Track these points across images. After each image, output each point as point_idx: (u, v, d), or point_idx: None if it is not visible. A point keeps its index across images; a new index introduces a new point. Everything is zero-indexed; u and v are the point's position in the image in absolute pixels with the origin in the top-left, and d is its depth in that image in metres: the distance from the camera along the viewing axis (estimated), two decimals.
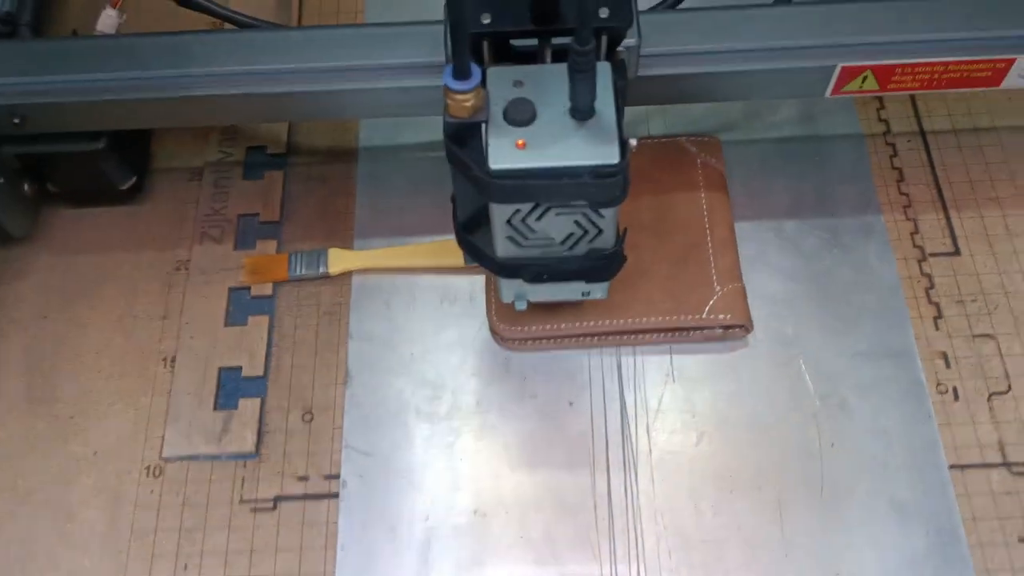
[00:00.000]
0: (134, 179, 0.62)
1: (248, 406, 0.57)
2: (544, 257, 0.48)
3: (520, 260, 0.48)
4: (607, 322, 0.56)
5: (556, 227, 0.46)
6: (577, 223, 0.45)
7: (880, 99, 0.65)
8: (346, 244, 0.62)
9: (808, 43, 0.51)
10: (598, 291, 0.51)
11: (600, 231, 0.46)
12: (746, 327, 0.56)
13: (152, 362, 0.59)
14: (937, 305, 0.58)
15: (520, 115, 0.42)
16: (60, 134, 0.56)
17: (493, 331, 0.58)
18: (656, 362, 0.57)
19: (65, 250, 0.63)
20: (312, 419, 0.57)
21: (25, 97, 0.53)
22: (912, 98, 0.65)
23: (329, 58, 0.53)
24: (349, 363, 0.58)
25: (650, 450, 0.54)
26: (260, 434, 0.56)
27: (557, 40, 0.46)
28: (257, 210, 0.63)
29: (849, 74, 0.51)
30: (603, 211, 0.44)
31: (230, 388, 0.58)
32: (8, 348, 0.59)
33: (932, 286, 0.58)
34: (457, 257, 0.59)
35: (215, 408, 0.57)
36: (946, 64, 0.51)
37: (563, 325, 0.56)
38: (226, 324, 0.60)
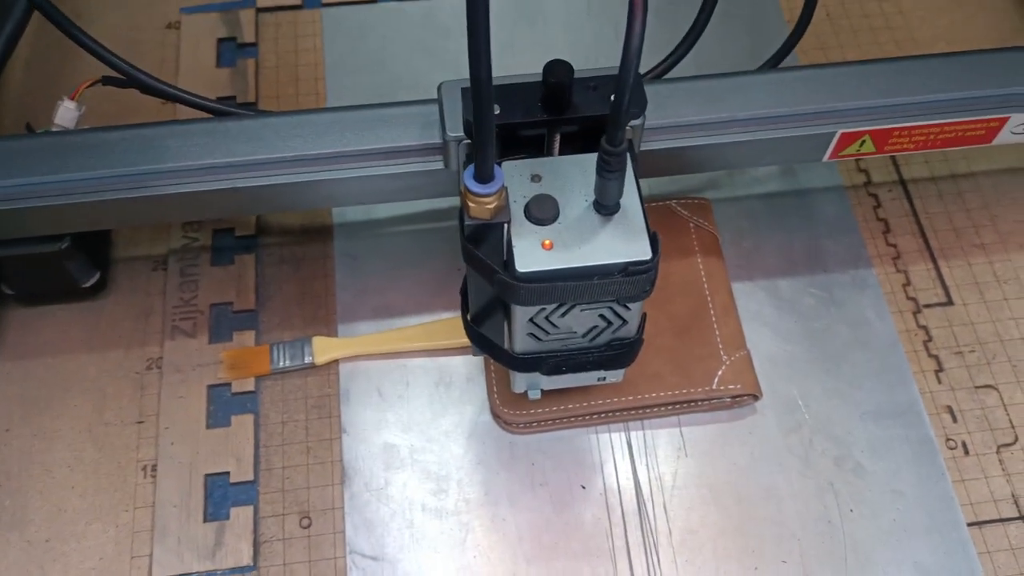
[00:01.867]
0: (97, 276, 0.58)
1: (240, 515, 0.53)
2: (563, 350, 0.46)
3: (538, 354, 0.46)
4: (615, 400, 0.54)
5: (580, 322, 0.44)
6: (602, 316, 0.43)
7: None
8: (329, 329, 0.59)
9: (806, 110, 0.50)
10: (615, 376, 0.49)
11: (624, 322, 0.44)
12: (756, 396, 0.55)
13: (130, 473, 0.55)
14: (937, 358, 0.58)
15: (543, 213, 0.40)
16: (21, 238, 0.52)
17: (495, 415, 0.55)
18: (666, 435, 0.55)
19: (23, 355, 0.58)
20: (311, 524, 0.53)
21: None
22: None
23: (307, 147, 0.50)
24: (345, 460, 0.55)
25: (670, 530, 0.53)
26: (256, 545, 0.53)
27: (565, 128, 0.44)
28: (230, 299, 0.60)
29: (848, 139, 0.51)
30: (631, 304, 0.42)
31: (219, 496, 0.54)
32: None
33: (930, 338, 0.58)
34: (451, 338, 0.58)
35: (205, 520, 0.53)
36: (941, 126, 0.51)
37: (570, 406, 0.54)
38: (208, 426, 0.56)
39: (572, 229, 0.40)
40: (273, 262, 0.62)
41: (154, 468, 0.55)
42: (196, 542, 0.53)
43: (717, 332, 0.56)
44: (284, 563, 0.52)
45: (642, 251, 0.40)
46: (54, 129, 0.53)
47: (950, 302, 0.59)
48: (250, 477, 0.54)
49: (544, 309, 0.42)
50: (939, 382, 0.57)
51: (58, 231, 0.52)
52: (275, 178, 0.50)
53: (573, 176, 0.42)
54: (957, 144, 0.53)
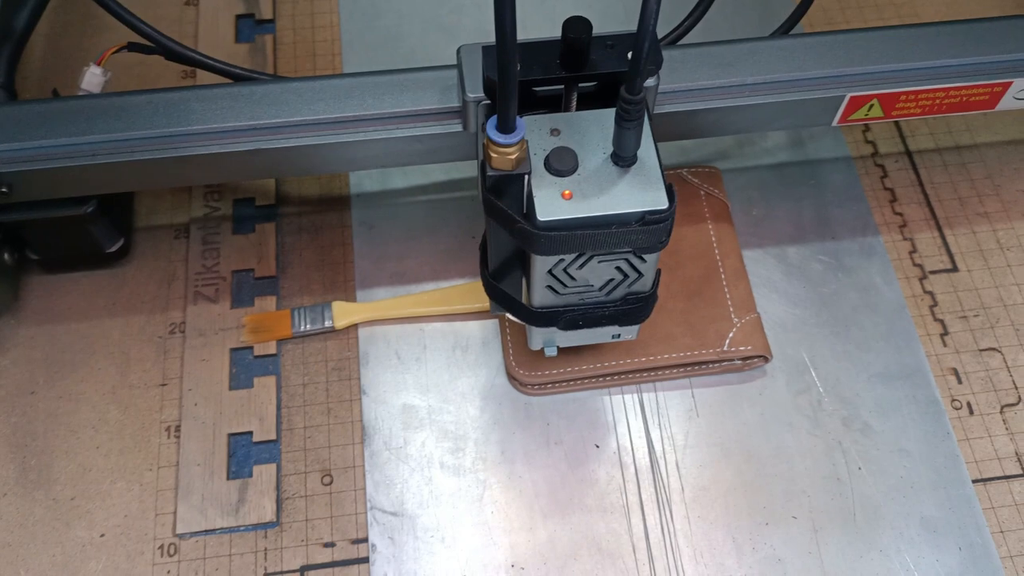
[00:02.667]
0: (122, 241, 0.59)
1: (263, 473, 0.55)
2: (580, 304, 0.47)
3: (556, 308, 0.47)
4: (628, 361, 0.55)
5: (597, 274, 0.45)
6: (619, 268, 0.45)
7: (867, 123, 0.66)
8: (348, 295, 0.60)
9: (817, 75, 0.51)
10: (629, 333, 0.51)
11: (640, 275, 0.45)
12: (766, 357, 0.56)
13: (154, 434, 0.56)
14: (942, 322, 0.59)
15: (563, 165, 0.42)
16: (47, 201, 0.53)
17: (511, 376, 0.56)
18: (678, 397, 0.57)
19: (47, 320, 0.59)
20: (332, 481, 0.55)
21: (12, 164, 0.50)
22: (896, 121, 0.67)
23: (328, 110, 0.51)
24: (364, 420, 0.56)
25: (682, 487, 0.54)
26: (279, 502, 0.54)
27: (582, 85, 0.46)
28: (251, 265, 0.61)
29: (856, 103, 0.52)
30: (646, 256, 0.44)
31: (242, 455, 0.55)
32: None
33: (935, 303, 0.60)
34: (467, 302, 0.59)
35: (228, 478, 0.55)
36: (947, 90, 0.52)
37: (584, 367, 0.56)
38: (231, 388, 0.57)
39: (591, 180, 0.42)
40: (293, 231, 0.63)
41: (177, 429, 0.56)
42: (220, 499, 0.54)
43: (728, 295, 0.57)
44: (306, 519, 0.53)
45: (659, 200, 0.41)
46: (80, 94, 0.54)
47: (955, 268, 0.61)
48: (273, 436, 0.56)
49: (563, 260, 0.43)
50: (944, 345, 0.58)
51: (85, 192, 0.53)
52: (296, 140, 0.51)
53: (591, 130, 0.43)
54: (962, 109, 0.54)
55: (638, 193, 0.41)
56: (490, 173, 0.41)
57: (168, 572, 0.52)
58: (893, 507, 0.53)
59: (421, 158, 0.54)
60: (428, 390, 0.57)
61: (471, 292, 0.59)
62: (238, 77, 0.55)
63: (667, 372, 0.56)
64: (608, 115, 0.42)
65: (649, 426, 0.56)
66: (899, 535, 0.53)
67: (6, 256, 0.57)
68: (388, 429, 0.56)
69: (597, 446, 0.55)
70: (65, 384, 0.57)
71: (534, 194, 0.41)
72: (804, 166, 0.64)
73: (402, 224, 0.63)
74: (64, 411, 0.57)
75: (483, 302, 0.58)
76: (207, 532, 0.53)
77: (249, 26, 0.71)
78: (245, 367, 0.58)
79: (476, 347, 0.58)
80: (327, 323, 0.58)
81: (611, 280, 0.46)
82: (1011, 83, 0.52)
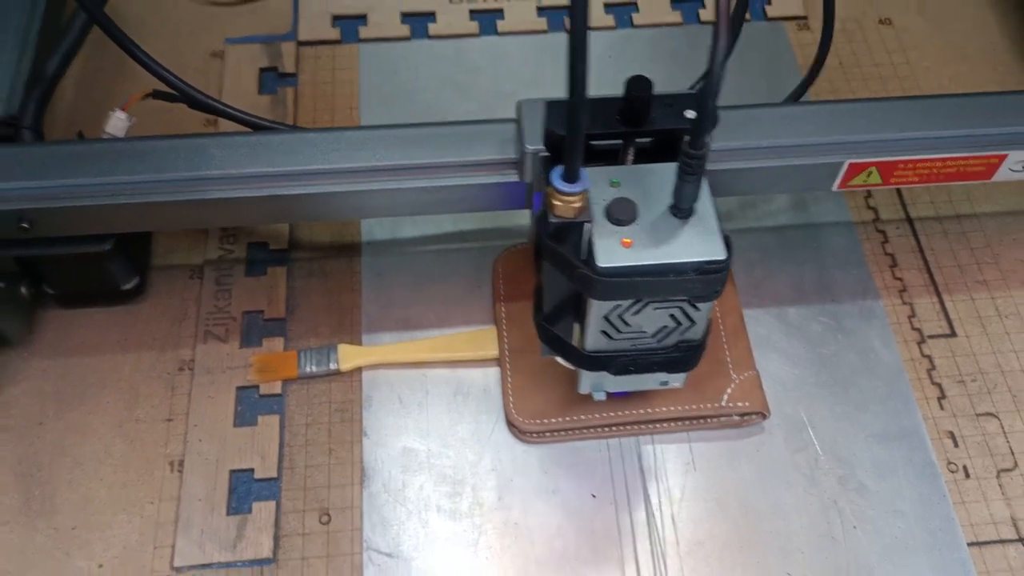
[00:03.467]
0: (137, 279, 0.61)
1: (262, 509, 0.55)
2: (632, 349, 0.48)
3: (608, 353, 0.49)
4: (628, 412, 0.56)
5: (651, 321, 0.46)
6: (672, 316, 0.46)
7: (869, 189, 0.68)
8: (354, 339, 0.61)
9: (817, 141, 0.53)
10: (677, 380, 0.52)
11: (692, 323, 0.47)
12: (764, 414, 0.57)
13: (158, 467, 0.57)
14: (940, 386, 0.60)
15: (623, 214, 0.44)
16: (67, 238, 0.55)
17: (511, 424, 0.57)
18: (675, 450, 0.57)
19: (59, 353, 0.61)
20: (329, 520, 0.55)
21: (35, 201, 0.52)
22: (898, 188, 0.68)
23: (346, 159, 0.53)
24: (365, 462, 0.57)
25: (677, 541, 0.54)
26: (276, 539, 0.54)
27: (639, 140, 0.49)
28: (262, 307, 0.62)
29: (855, 170, 0.54)
30: (700, 305, 0.45)
31: (242, 491, 0.56)
32: (1, 457, 0.57)
33: (933, 367, 0.60)
34: (470, 350, 0.60)
35: (228, 513, 0.55)
36: (944, 160, 0.54)
37: (583, 416, 0.56)
38: (235, 424, 0.58)
39: (649, 230, 0.43)
40: (303, 275, 0.64)
41: (181, 463, 0.57)
42: (218, 534, 0.54)
43: (728, 352, 0.58)
44: (303, 557, 0.54)
45: (717, 251, 0.43)
46: (105, 137, 0.56)
47: (953, 334, 0.61)
48: (274, 474, 0.56)
49: (619, 306, 0.45)
50: (942, 408, 0.59)
51: (104, 231, 0.55)
52: (311, 188, 0.53)
53: (650, 182, 0.45)
54: (959, 179, 0.55)
55: (696, 244, 0.43)
56: (553, 220, 0.43)
57: None
58: (887, 568, 0.53)
59: (434, 208, 0.56)
60: (428, 434, 0.58)
61: (475, 340, 0.60)
62: (258, 127, 0.57)
63: (666, 425, 0.57)
64: (666, 169, 0.45)
65: (646, 478, 0.56)
66: None
67: (23, 290, 0.58)
68: (387, 471, 0.56)
69: (594, 496, 0.56)
70: (73, 416, 0.58)
71: (595, 242, 0.43)
72: (806, 229, 0.66)
73: (410, 272, 0.64)
74: (70, 443, 0.58)
75: (486, 350, 0.60)
76: (204, 566, 0.53)
77: (272, 78, 0.73)
78: (250, 405, 0.59)
79: (477, 394, 0.59)
80: (332, 365, 0.59)
81: (664, 327, 0.47)
82: (1006, 155, 0.54)
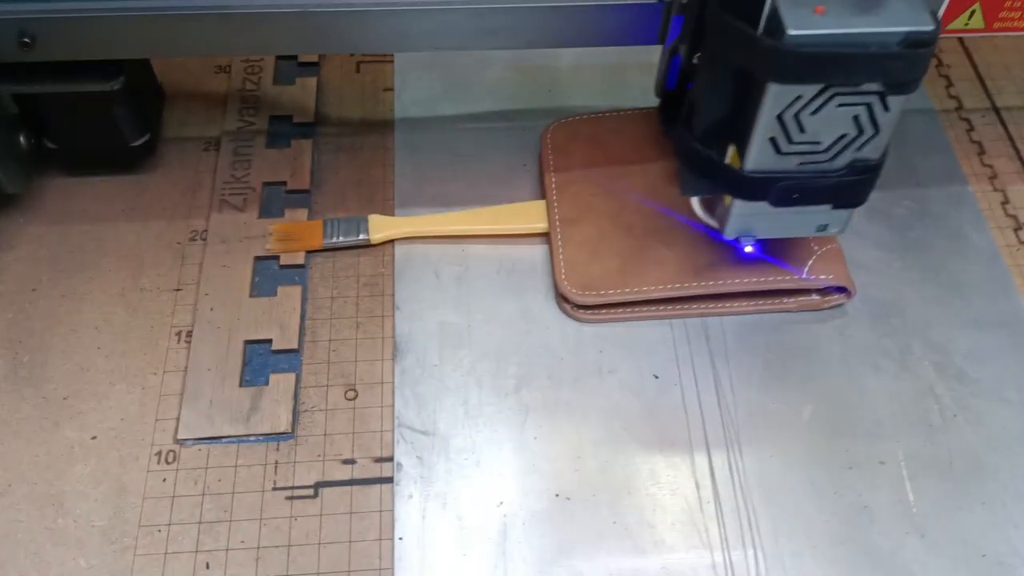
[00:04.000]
0: (147, 137, 0.54)
1: (280, 382, 0.49)
2: (798, 172, 0.43)
3: (770, 174, 0.43)
4: (694, 284, 0.50)
5: (830, 125, 0.40)
6: (856, 120, 0.40)
7: (948, 77, 0.62)
8: (386, 213, 0.55)
9: None
10: (838, 223, 0.46)
11: (876, 132, 0.41)
12: (849, 291, 0.50)
13: (163, 337, 0.50)
14: None
15: None
16: (71, 71, 0.49)
17: (562, 297, 0.51)
18: (748, 332, 0.51)
19: (59, 220, 0.54)
20: (356, 396, 0.48)
21: (37, 12, 0.46)
22: (980, 77, 0.62)
23: None
24: (397, 336, 0.50)
25: (753, 425, 0.47)
26: (296, 413, 0.48)
27: None
28: (284, 178, 0.56)
29: (957, 7, 0.48)
30: (891, 103, 0.39)
31: (258, 363, 0.50)
32: None
33: None
34: (516, 223, 0.54)
35: (241, 385, 0.49)
36: None
37: (644, 288, 0.50)
38: (252, 295, 0.52)
39: None
40: (330, 149, 0.58)
41: (189, 334, 0.50)
42: (230, 406, 0.48)
43: None
44: (325, 433, 0.47)
45: (924, 21, 0.37)
46: None
47: None
48: (294, 346, 0.50)
49: (799, 99, 0.39)
50: None
51: (113, 54, 0.48)
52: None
53: None
54: None
55: (900, 12, 0.37)
56: None
57: (164, 480, 0.46)
58: (996, 459, 0.46)
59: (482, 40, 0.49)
60: (470, 309, 0.51)
61: (522, 212, 0.54)
62: None
63: (737, 304, 0.51)
64: None
65: (715, 359, 0.50)
66: (1004, 488, 0.46)
67: (22, 139, 0.52)
68: (423, 346, 0.50)
69: (656, 377, 0.49)
70: (70, 283, 0.52)
71: (781, 7, 0.37)
72: None
73: (448, 149, 0.58)
74: (66, 310, 0.51)
75: (535, 222, 0.53)
76: (212, 440, 0.47)
77: None
78: (269, 276, 0.53)
79: (524, 270, 0.53)
80: (362, 235, 0.53)
81: (843, 137, 0.41)
82: None
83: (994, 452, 0.47)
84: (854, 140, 0.41)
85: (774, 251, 0.50)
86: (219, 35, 0.48)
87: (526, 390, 0.48)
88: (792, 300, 0.51)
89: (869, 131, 0.41)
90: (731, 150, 0.44)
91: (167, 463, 0.46)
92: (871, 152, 0.42)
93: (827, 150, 0.42)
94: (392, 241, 0.54)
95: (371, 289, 0.52)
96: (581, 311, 0.51)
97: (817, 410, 0.48)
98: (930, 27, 0.37)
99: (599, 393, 0.48)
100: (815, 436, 0.47)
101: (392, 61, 0.62)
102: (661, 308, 0.51)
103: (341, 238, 0.53)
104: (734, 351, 0.50)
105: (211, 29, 0.47)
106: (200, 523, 0.44)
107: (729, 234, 0.47)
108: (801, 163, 0.43)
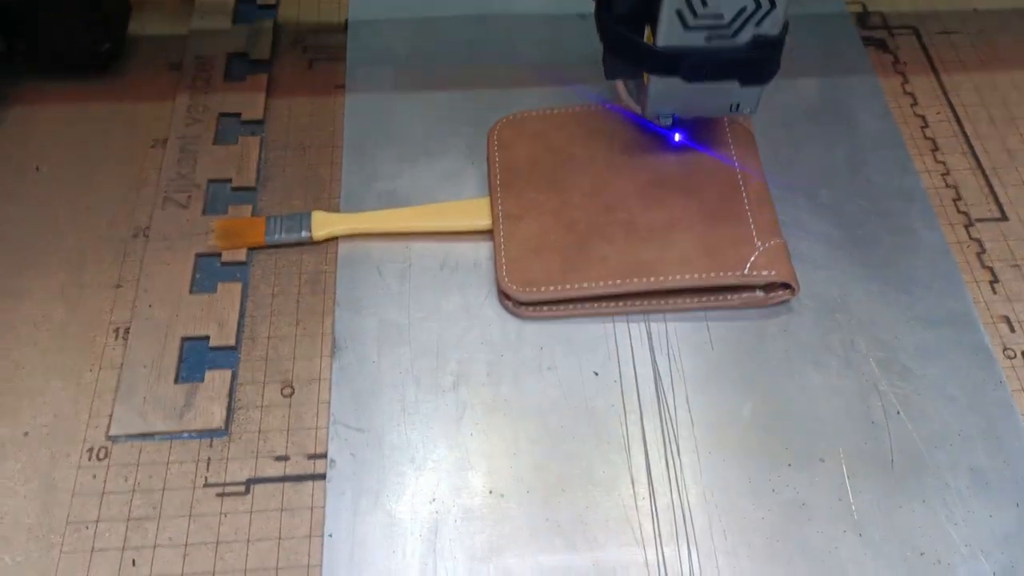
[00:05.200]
0: (110, 45, 0.60)
1: (216, 378, 0.48)
2: (706, 47, 0.46)
3: (680, 50, 0.46)
4: (635, 280, 0.49)
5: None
6: None
7: (904, 74, 0.62)
8: (331, 210, 0.55)
9: None
10: (749, 103, 0.49)
11: (772, 6, 0.44)
12: (793, 287, 0.49)
13: (100, 334, 0.50)
14: (991, 269, 0.53)
15: None
16: None
17: (503, 294, 0.50)
18: (690, 329, 0.50)
19: (4, 218, 0.54)
20: (293, 393, 0.48)
21: None
22: (936, 72, 0.62)
23: None
24: (336, 333, 0.50)
25: (692, 422, 0.47)
26: (230, 410, 0.47)
27: None
28: (230, 175, 0.56)
29: None
30: None
31: (194, 360, 0.49)
32: None
33: (983, 250, 0.53)
34: (459, 220, 0.53)
35: (177, 381, 0.48)
36: None
37: (585, 284, 0.49)
38: (192, 291, 0.51)
39: None
40: (278, 147, 0.58)
41: (127, 331, 0.50)
42: (164, 403, 0.47)
43: (751, 219, 0.51)
44: (260, 430, 0.47)
45: None
46: None
47: (1004, 217, 0.55)
48: (231, 343, 0.49)
49: None
50: (994, 292, 0.52)
51: None
52: None
53: None
54: None
55: None
56: None
57: (94, 476, 0.45)
58: (938, 456, 0.46)
59: None
60: (410, 307, 0.51)
61: (466, 209, 0.54)
62: None
63: (679, 300, 0.50)
64: None
65: (656, 356, 0.49)
66: (944, 486, 0.45)
67: None
68: (362, 344, 0.49)
69: (596, 373, 0.48)
70: (9, 281, 0.52)
71: None
72: (837, 112, 0.59)
73: (398, 146, 0.57)
74: (4, 307, 0.51)
75: (478, 220, 0.53)
76: (144, 436, 0.46)
77: None
78: (210, 273, 0.52)
79: (467, 267, 0.52)
80: (304, 233, 0.53)
81: (742, 11, 0.45)
82: None
83: (936, 449, 0.46)
84: (753, 14, 0.45)
85: (716, 247, 0.50)
86: None
87: (464, 387, 0.48)
88: (735, 296, 0.50)
89: (766, 5, 0.45)
90: (647, 31, 0.48)
91: (98, 459, 0.46)
92: (770, 27, 0.46)
93: (729, 25, 0.45)
94: (337, 238, 0.53)
95: (313, 286, 0.52)
96: (522, 308, 0.50)
97: (758, 407, 0.47)
98: None
99: (537, 390, 0.48)
100: (755, 433, 0.46)
101: (344, 59, 0.62)
102: (603, 305, 0.50)
103: (284, 235, 0.53)
104: (675, 348, 0.49)
105: None
106: (128, 520, 0.44)
107: (650, 114, 0.51)
108: (707, 38, 0.46)
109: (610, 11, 0.48)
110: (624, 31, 0.48)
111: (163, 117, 0.59)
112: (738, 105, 0.50)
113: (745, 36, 0.46)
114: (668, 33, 0.46)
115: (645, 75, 0.50)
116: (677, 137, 0.54)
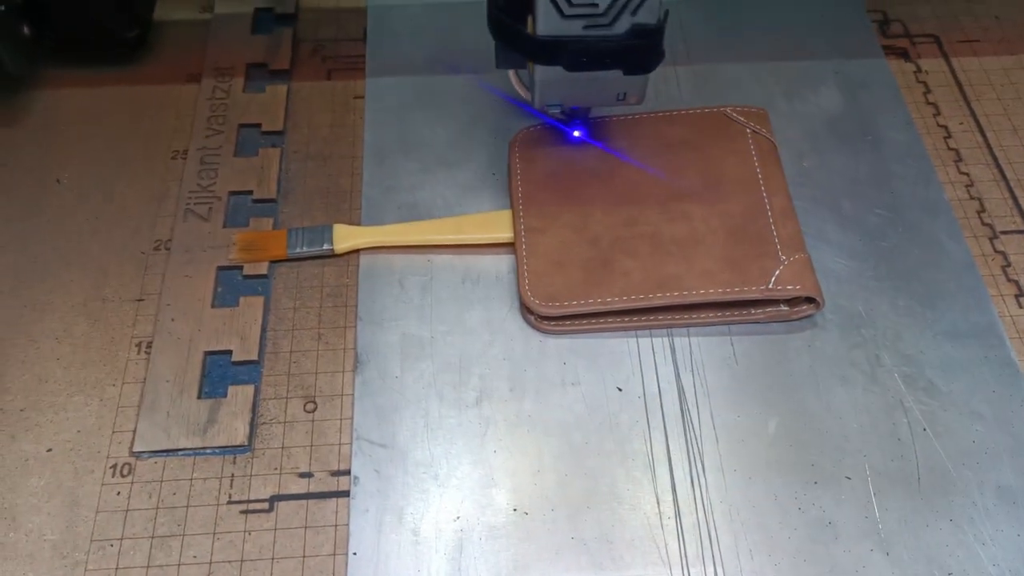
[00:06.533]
0: (138, 31, 0.61)
1: (239, 394, 0.48)
2: (585, 36, 0.46)
3: (559, 38, 0.46)
4: (659, 295, 0.49)
5: None
6: None
7: (926, 84, 0.61)
8: (352, 223, 0.54)
9: None
10: (635, 91, 0.49)
11: None
12: (818, 301, 0.49)
13: (123, 348, 0.50)
14: (1017, 283, 0.52)
15: None
16: None
17: (526, 309, 0.50)
18: (714, 344, 0.50)
19: (21, 231, 0.54)
20: (315, 409, 0.48)
21: None
22: (958, 83, 0.61)
23: None
24: (359, 347, 0.49)
25: (716, 439, 0.46)
26: (253, 426, 0.47)
27: None
28: (251, 187, 0.56)
29: None
30: None
31: (217, 375, 0.49)
32: None
33: (1008, 263, 0.53)
34: (481, 232, 0.53)
35: (199, 397, 0.48)
36: None
37: (608, 299, 0.49)
38: (213, 305, 0.51)
39: None
40: (299, 159, 0.58)
41: (149, 345, 0.50)
42: (187, 418, 0.47)
43: (775, 233, 0.51)
44: (283, 446, 0.47)
45: None
46: None
47: None
48: (254, 357, 0.49)
49: None
50: (1020, 306, 0.51)
51: None
52: None
53: None
54: None
55: None
56: None
57: (118, 493, 0.45)
58: (965, 473, 0.45)
59: None
60: (432, 321, 0.51)
61: (488, 222, 0.53)
62: None
63: (703, 315, 0.50)
64: None
65: (680, 372, 0.49)
66: (972, 505, 0.45)
67: (25, 28, 0.56)
68: (384, 358, 0.49)
69: (620, 389, 0.48)
70: (32, 294, 0.52)
71: None
72: (860, 122, 0.59)
73: (418, 158, 0.57)
74: (27, 320, 0.51)
75: (500, 232, 0.53)
76: (168, 452, 0.46)
77: None
78: (232, 286, 0.52)
79: (488, 281, 0.52)
80: (326, 246, 0.53)
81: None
82: None
83: (963, 467, 0.46)
84: (627, 3, 0.45)
85: (740, 261, 0.50)
86: None
87: (487, 403, 0.48)
88: (760, 311, 0.50)
89: None
90: (530, 19, 0.47)
91: (122, 476, 0.46)
92: (647, 16, 0.45)
93: (605, 13, 0.45)
94: (358, 251, 0.53)
95: (334, 300, 0.52)
96: (545, 322, 0.50)
97: (783, 423, 0.47)
98: None
99: (561, 406, 0.48)
100: (780, 450, 0.46)
101: (364, 68, 0.62)
102: (626, 319, 0.50)
103: (305, 248, 0.53)
104: (699, 363, 0.49)
105: None
106: (153, 537, 0.44)
107: (538, 104, 0.50)
108: (585, 26, 0.46)
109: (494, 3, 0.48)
110: (505, 19, 0.47)
111: (183, 128, 0.59)
112: (625, 94, 0.49)
113: (623, 25, 0.46)
114: (546, 22, 0.46)
115: (531, 65, 0.49)
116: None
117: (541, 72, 0.48)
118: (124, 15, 0.59)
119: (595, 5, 0.45)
